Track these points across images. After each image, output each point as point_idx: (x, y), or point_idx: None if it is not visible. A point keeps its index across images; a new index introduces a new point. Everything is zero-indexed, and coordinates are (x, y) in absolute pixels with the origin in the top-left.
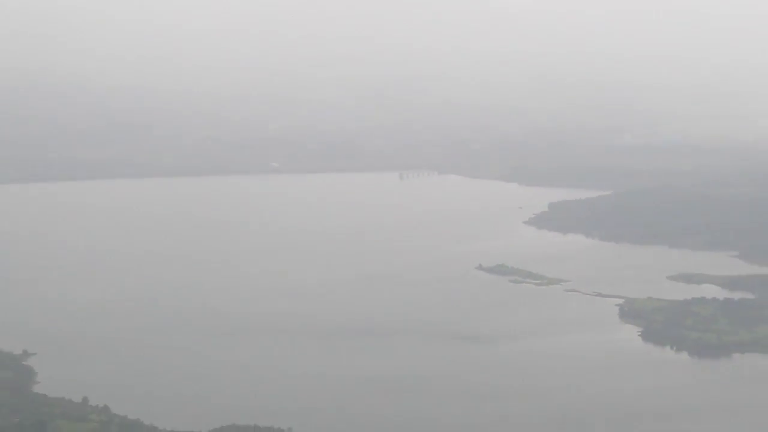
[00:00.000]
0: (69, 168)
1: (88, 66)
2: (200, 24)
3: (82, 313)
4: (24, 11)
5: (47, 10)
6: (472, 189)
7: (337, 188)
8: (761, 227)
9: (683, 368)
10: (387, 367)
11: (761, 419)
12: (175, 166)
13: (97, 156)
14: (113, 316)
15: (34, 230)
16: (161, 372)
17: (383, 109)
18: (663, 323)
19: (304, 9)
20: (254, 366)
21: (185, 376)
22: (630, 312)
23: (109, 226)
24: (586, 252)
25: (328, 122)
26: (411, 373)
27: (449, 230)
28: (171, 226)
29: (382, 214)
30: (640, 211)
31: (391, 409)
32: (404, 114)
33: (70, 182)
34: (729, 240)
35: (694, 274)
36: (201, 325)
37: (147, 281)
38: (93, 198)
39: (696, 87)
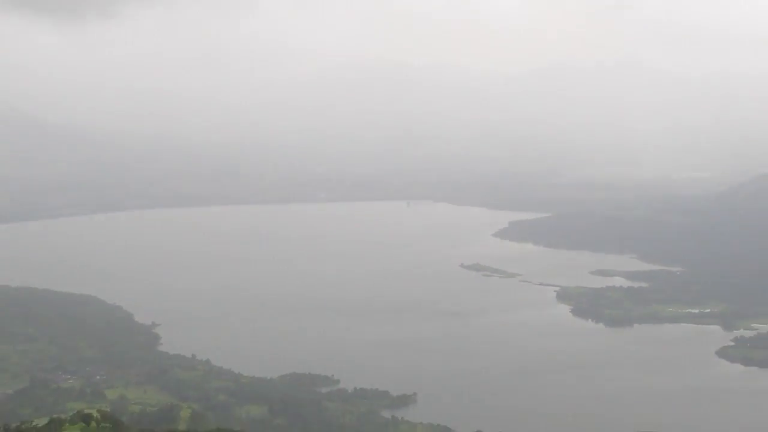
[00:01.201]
0: (184, 198)
1: (196, 129)
2: (273, 102)
3: (192, 297)
4: (147, 93)
5: (167, 89)
6: (456, 212)
7: (363, 212)
8: (652, 237)
9: (600, 334)
10: (396, 333)
11: (652, 366)
12: (256, 197)
13: (203, 190)
14: (213, 299)
15: (161, 241)
16: (245, 336)
17: (395, 158)
18: (586, 303)
19: (339, 93)
20: (307, 332)
21: (260, 339)
22: (564, 296)
23: (212, 238)
24: (535, 255)
25: (356, 166)
26: (413, 337)
27: (440, 240)
28: (252, 238)
29: (393, 229)
30: (571, 227)
31: (401, 361)
32: (410, 161)
33: (186, 209)
34: (631, 246)
35: (608, 269)
36: (270, 305)
37: (237, 276)
38: (201, 219)
39: (608, 143)
